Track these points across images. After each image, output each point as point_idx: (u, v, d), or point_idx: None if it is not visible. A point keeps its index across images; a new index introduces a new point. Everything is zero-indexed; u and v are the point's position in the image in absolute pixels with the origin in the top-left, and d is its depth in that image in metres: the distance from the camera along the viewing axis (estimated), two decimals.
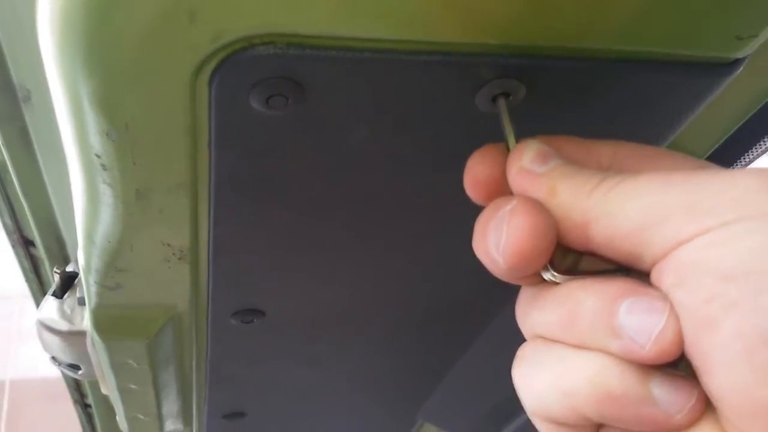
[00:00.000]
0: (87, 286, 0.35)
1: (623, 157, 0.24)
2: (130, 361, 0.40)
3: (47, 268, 0.53)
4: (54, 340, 0.43)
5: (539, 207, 0.22)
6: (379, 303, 0.43)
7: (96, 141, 0.27)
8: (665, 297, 0.20)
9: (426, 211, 0.34)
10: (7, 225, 0.49)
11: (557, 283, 0.22)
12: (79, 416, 0.84)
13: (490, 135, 0.29)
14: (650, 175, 0.21)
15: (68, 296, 0.43)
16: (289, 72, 0.24)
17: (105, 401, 0.80)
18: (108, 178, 0.28)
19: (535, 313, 0.23)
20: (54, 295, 0.43)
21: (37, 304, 0.59)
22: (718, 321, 0.18)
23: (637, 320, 0.20)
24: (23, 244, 0.51)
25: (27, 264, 0.53)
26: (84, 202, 0.31)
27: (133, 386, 0.43)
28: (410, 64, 0.25)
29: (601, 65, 0.26)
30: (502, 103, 0.26)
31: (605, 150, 0.25)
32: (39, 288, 0.57)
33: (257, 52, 0.23)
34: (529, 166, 0.23)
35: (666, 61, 0.27)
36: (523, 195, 0.23)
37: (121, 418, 0.51)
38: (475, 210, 0.35)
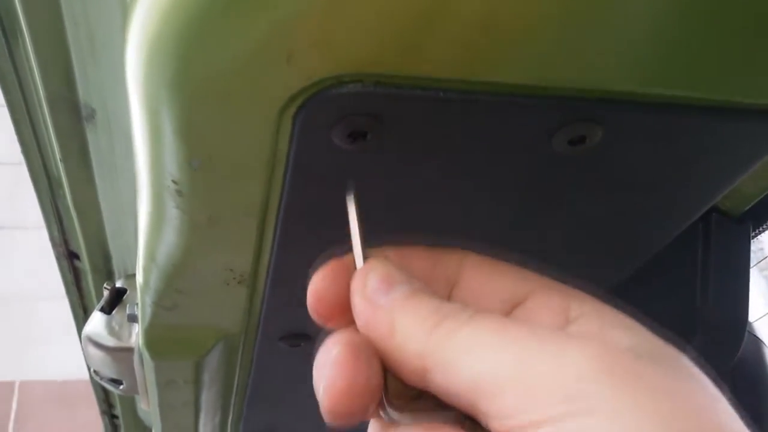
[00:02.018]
0: (143, 304, 0.35)
1: (467, 271, 0.25)
2: (176, 379, 0.40)
3: (90, 282, 0.53)
4: (99, 355, 0.43)
5: (362, 362, 0.21)
6: None
7: (175, 168, 0.27)
8: None
9: (492, 243, 0.35)
10: (54, 237, 0.50)
11: (395, 420, 0.22)
12: (105, 427, 0.84)
13: (565, 177, 0.29)
14: (487, 327, 0.21)
15: (116, 312, 0.43)
16: (372, 109, 0.25)
17: (132, 413, 0.80)
18: (182, 204, 0.29)
19: None
20: (102, 310, 0.43)
21: (75, 315, 0.59)
22: None
23: None
24: (68, 257, 0.52)
25: (70, 277, 0.54)
26: (151, 223, 0.31)
27: (175, 404, 0.44)
28: (489, 105, 0.25)
29: (680, 112, 0.26)
30: (351, 202, 0.26)
31: (451, 263, 0.25)
32: (79, 301, 0.57)
33: (345, 90, 0.23)
34: (372, 294, 0.23)
35: (742, 109, 0.27)
36: (352, 338, 0.22)
37: (155, 426, 0.51)
38: (537, 246, 0.35)
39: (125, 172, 0.40)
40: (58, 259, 0.52)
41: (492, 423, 0.19)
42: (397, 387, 0.23)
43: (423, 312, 0.22)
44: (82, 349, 0.44)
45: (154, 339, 0.38)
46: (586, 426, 0.18)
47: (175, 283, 0.34)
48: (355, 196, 0.26)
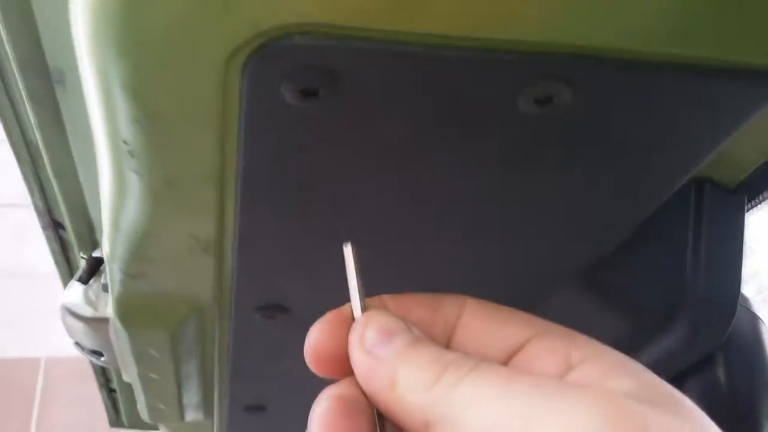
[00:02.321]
0: (111, 273, 0.35)
1: (467, 317, 0.24)
2: (152, 351, 0.40)
3: (76, 252, 0.53)
4: (77, 326, 0.43)
5: (350, 419, 0.22)
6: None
7: (125, 127, 0.26)
8: None
9: (460, 212, 0.33)
10: (38, 206, 0.49)
11: None
12: (104, 400, 0.84)
13: (536, 141, 0.28)
14: (491, 380, 0.20)
15: (94, 282, 0.43)
16: (324, 63, 0.23)
17: (129, 387, 0.81)
18: (135, 166, 0.28)
19: None
20: (80, 280, 0.43)
21: (65, 283, 0.59)
22: None
23: None
24: (53, 227, 0.51)
25: (56, 247, 0.54)
26: (111, 189, 0.30)
27: (154, 376, 0.43)
28: (453, 60, 0.24)
29: (654, 69, 0.25)
30: (348, 252, 0.25)
31: (451, 309, 0.25)
32: (68, 271, 0.57)
33: (291, 42, 0.22)
34: (371, 347, 0.22)
35: (722, 67, 0.25)
36: (342, 392, 0.23)
37: (142, 407, 0.51)
38: (513, 216, 0.34)
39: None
40: (44, 229, 0.52)
41: None
42: None
43: (424, 363, 0.21)
44: (61, 320, 0.44)
45: (125, 308, 0.37)
46: None
47: (139, 251, 0.33)
48: (352, 246, 0.25)
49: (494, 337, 0.24)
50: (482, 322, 0.24)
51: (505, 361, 0.23)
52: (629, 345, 0.45)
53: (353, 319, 0.24)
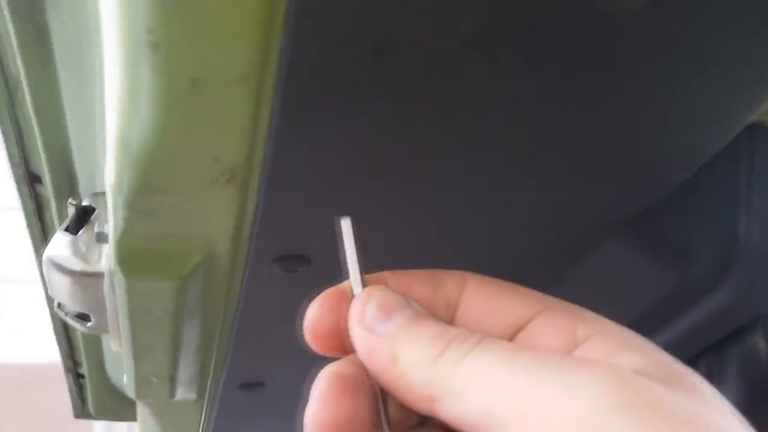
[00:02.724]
0: (114, 209, 0.30)
1: (469, 294, 0.24)
2: (153, 308, 0.35)
3: (53, 211, 0.47)
4: (63, 282, 0.38)
5: (347, 396, 0.22)
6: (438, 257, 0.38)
7: (151, 11, 0.22)
8: None
9: (515, 147, 0.30)
10: (13, 155, 0.43)
11: None
12: (70, 387, 0.78)
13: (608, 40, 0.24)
14: (496, 354, 0.20)
15: (83, 232, 0.38)
16: None
17: (99, 371, 0.75)
18: (159, 62, 0.23)
19: None
20: (67, 230, 0.37)
21: (37, 252, 0.53)
22: None
23: None
24: (29, 181, 0.46)
25: (31, 205, 0.48)
26: (122, 99, 0.26)
27: (151, 339, 0.38)
28: None
29: None
30: (346, 226, 0.25)
31: (452, 286, 0.24)
32: (41, 234, 0.51)
33: None
34: (372, 323, 0.22)
35: None
36: (340, 370, 0.22)
37: (129, 381, 0.45)
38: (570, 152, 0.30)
39: (94, 64, 0.34)
40: (17, 184, 0.46)
41: None
42: (400, 414, 0.22)
43: (427, 338, 0.21)
44: (43, 277, 0.38)
45: (128, 253, 0.32)
46: None
47: (152, 180, 0.28)
48: (351, 220, 0.25)
49: (498, 314, 0.23)
50: (485, 299, 0.24)
51: (510, 339, 0.23)
52: (675, 303, 0.42)
53: (353, 295, 0.23)
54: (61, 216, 0.47)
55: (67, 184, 0.45)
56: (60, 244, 0.37)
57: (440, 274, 0.24)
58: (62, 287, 0.38)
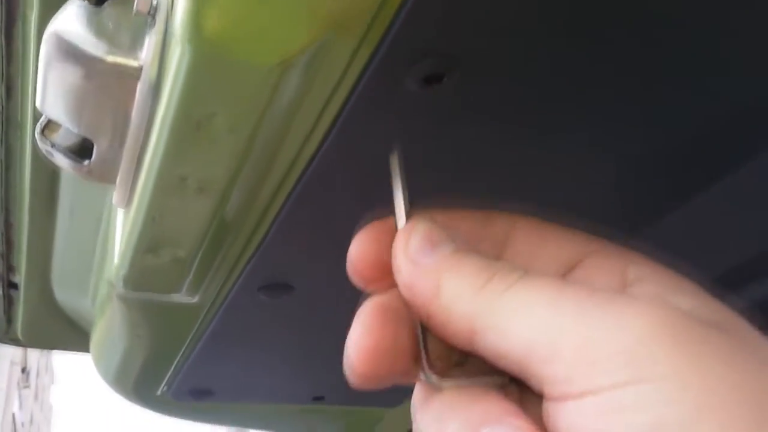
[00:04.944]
0: None
1: (518, 233, 0.24)
2: (218, 113, 0.23)
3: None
4: (71, 77, 0.24)
5: (389, 324, 0.22)
6: None
7: None
8: (533, 427, 0.19)
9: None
10: None
11: (436, 384, 0.21)
12: None
13: None
14: (542, 287, 0.20)
15: (110, 5, 0.25)
16: None
17: (44, 281, 0.61)
18: None
19: (418, 417, 0.22)
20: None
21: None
22: None
23: None
24: None
25: None
26: None
27: (187, 178, 0.26)
28: None
29: None
30: (394, 160, 0.24)
31: (501, 225, 0.24)
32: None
33: None
34: (415, 255, 0.22)
35: None
36: (383, 300, 0.23)
37: (123, 261, 0.33)
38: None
39: None
40: None
41: (545, 388, 0.19)
42: (441, 350, 0.22)
43: (471, 271, 0.21)
44: (43, 64, 0.25)
45: (207, 21, 0.20)
46: (650, 394, 0.17)
47: None
48: (399, 154, 0.24)
49: (547, 254, 0.23)
50: (535, 239, 0.23)
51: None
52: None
53: (398, 228, 0.23)
54: None
55: None
56: (73, 16, 0.25)
57: (490, 214, 0.24)
58: (64, 85, 0.25)
